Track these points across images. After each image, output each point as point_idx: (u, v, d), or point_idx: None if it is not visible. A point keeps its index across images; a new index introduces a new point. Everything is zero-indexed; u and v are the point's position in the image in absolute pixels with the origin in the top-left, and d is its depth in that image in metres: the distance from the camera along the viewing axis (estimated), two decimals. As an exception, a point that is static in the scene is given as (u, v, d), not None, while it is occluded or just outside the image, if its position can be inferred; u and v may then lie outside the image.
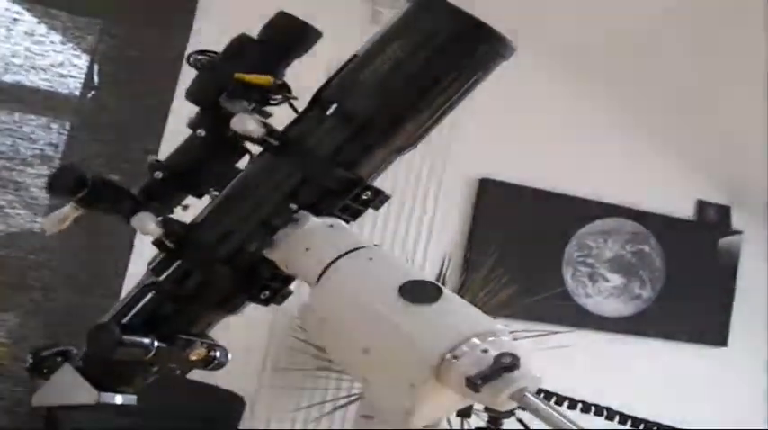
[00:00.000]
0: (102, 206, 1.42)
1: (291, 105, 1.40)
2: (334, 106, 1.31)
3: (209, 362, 1.46)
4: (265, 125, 1.32)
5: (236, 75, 1.38)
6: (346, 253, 1.24)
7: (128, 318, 1.41)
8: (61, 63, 4.13)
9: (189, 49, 4.13)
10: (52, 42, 4.13)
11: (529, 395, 1.06)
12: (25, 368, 1.45)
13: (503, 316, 4.37)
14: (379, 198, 1.38)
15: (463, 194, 5.01)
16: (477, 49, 1.27)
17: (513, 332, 4.24)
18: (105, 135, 4.16)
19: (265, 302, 1.39)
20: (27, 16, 4.10)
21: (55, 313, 4.07)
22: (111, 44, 4.22)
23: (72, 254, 4.11)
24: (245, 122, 1.31)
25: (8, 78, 4.06)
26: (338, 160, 1.32)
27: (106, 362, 1.38)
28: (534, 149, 5.08)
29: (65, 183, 1.40)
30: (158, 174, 1.44)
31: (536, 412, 1.06)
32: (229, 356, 1.48)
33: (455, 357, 1.08)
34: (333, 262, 1.23)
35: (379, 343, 1.15)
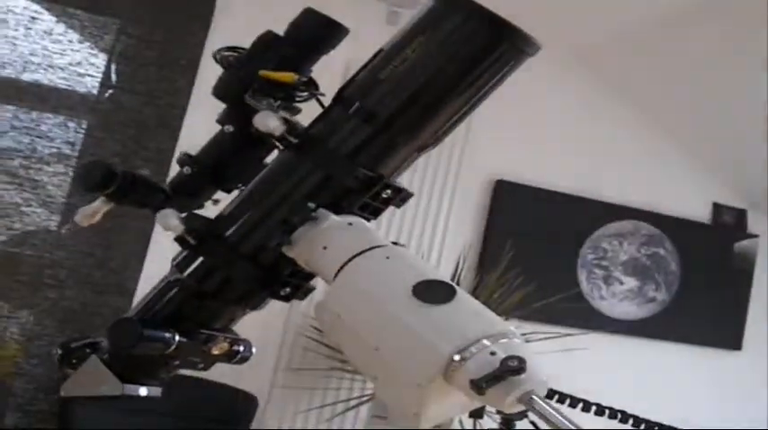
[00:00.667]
0: (131, 200, 1.44)
1: (319, 102, 1.40)
2: (356, 104, 1.31)
3: (232, 356, 1.48)
4: (288, 122, 1.32)
5: (261, 72, 1.38)
6: (363, 251, 1.24)
7: (151, 312, 1.44)
8: (79, 62, 4.14)
9: (207, 49, 4.17)
10: (70, 41, 4.14)
11: (536, 398, 1.06)
12: (56, 358, 1.48)
13: (516, 317, 4.37)
14: (400, 196, 1.38)
15: (479, 196, 5.01)
16: (500, 47, 1.25)
17: (526, 334, 4.24)
18: (122, 134, 4.17)
19: (286, 298, 1.40)
20: (45, 15, 4.11)
21: (70, 311, 4.07)
22: (128, 43, 4.23)
23: (87, 252, 4.12)
24: (267, 120, 1.32)
25: (26, 77, 4.07)
26: (358, 159, 1.31)
27: (130, 355, 1.41)
28: (550, 151, 5.08)
29: (94, 179, 1.41)
30: (187, 169, 1.47)
31: (542, 416, 1.05)
32: (253, 350, 1.50)
33: (463, 358, 1.07)
34: (349, 260, 1.23)
35: (390, 341, 1.15)
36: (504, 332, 1.12)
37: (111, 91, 4.22)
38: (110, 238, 4.13)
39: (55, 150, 4.10)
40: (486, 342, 1.09)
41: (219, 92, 1.45)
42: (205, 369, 1.49)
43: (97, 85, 4.20)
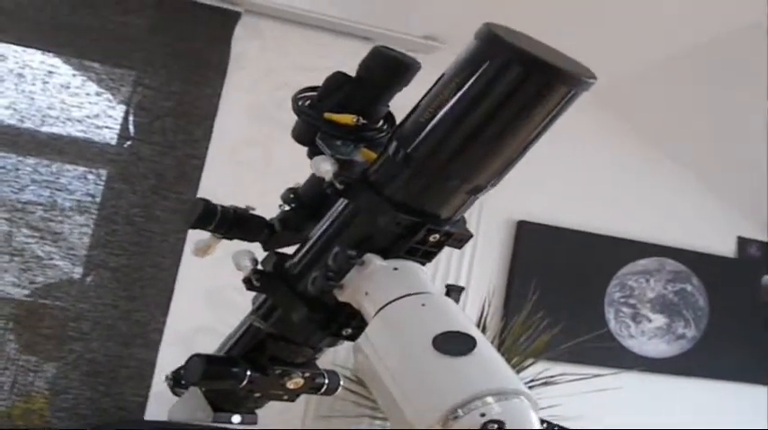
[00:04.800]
0: (237, 235, 1.49)
1: (395, 139, 1.38)
2: (398, 148, 1.29)
3: (317, 389, 1.53)
4: (343, 166, 1.33)
5: (325, 114, 1.40)
6: (399, 298, 1.23)
7: (229, 349, 1.52)
8: (97, 114, 4.16)
9: (223, 98, 4.18)
10: (87, 94, 4.16)
11: None
12: (168, 385, 1.59)
13: (545, 359, 4.33)
14: (454, 238, 1.36)
15: (501, 237, 4.99)
16: (543, 89, 1.20)
17: (555, 376, 4.18)
18: (142, 185, 4.18)
19: (350, 338, 1.40)
20: (62, 69, 4.14)
21: (95, 364, 4.07)
22: (145, 94, 4.24)
23: (111, 304, 4.11)
24: (319, 165, 1.33)
25: (45, 130, 4.09)
26: (401, 204, 1.30)
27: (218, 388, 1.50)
28: (571, 190, 5.07)
29: (193, 216, 1.47)
30: (285, 206, 1.50)
31: None
32: (341, 382, 1.55)
33: (458, 415, 1.06)
34: (384, 306, 1.23)
35: (401, 387, 1.15)
36: (516, 391, 1.10)
37: (129, 142, 4.23)
38: (133, 290, 4.13)
39: (75, 203, 4.11)
40: (489, 399, 1.07)
41: (296, 135, 1.47)
42: (290, 400, 1.55)
43: (115, 136, 4.22)
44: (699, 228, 5.46)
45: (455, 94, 1.23)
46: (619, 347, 5.17)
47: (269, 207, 1.52)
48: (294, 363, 1.51)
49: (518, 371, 4.13)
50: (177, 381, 1.58)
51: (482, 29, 1.21)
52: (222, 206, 1.47)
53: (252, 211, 1.51)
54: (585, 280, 5.16)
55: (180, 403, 1.54)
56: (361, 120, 1.41)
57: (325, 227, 1.40)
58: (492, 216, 4.81)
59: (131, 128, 4.23)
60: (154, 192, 4.19)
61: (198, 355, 1.45)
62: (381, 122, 1.45)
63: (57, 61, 4.14)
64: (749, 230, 5.60)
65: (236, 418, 1.53)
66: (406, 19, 4.39)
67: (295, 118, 1.46)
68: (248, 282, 1.42)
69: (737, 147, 5.05)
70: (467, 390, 1.08)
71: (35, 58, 4.10)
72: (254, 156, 4.30)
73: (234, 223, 1.47)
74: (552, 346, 4.35)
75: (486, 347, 1.16)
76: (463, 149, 1.25)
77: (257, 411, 1.59)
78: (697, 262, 5.41)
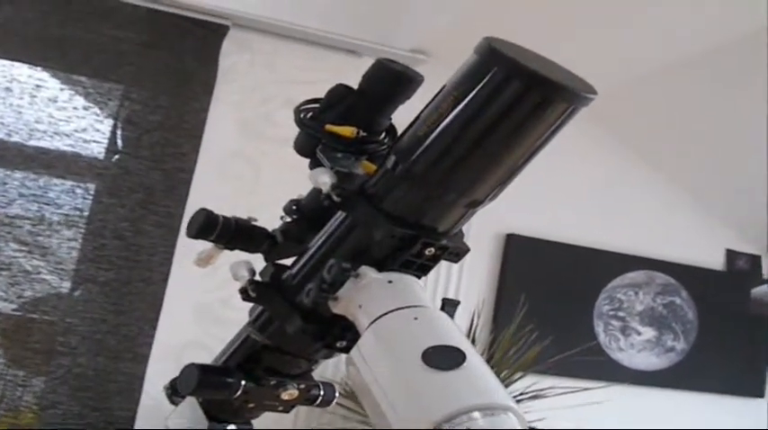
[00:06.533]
0: (239, 246, 1.49)
1: (393, 152, 1.38)
2: (395, 161, 1.30)
3: (312, 400, 1.56)
4: (341, 179, 1.33)
5: (326, 126, 1.40)
6: (391, 311, 1.23)
7: (225, 359, 1.54)
8: (84, 128, 4.15)
9: (211, 113, 4.18)
10: (75, 108, 4.16)
11: None
12: (166, 394, 1.62)
13: (534, 372, 4.32)
14: (449, 251, 1.37)
15: (490, 250, 4.99)
16: (542, 104, 1.21)
17: (544, 389, 4.18)
18: (130, 199, 4.17)
19: (344, 350, 1.40)
20: (50, 83, 4.14)
21: (83, 378, 4.05)
22: (133, 109, 4.24)
23: (100, 319, 4.10)
24: (317, 177, 1.34)
25: (32, 144, 4.09)
26: (399, 217, 1.30)
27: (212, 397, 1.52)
28: (560, 204, 5.07)
29: (194, 226, 1.47)
30: (287, 218, 1.50)
31: None
32: (337, 394, 1.58)
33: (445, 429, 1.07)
34: (377, 319, 1.23)
35: (389, 400, 1.14)
36: (504, 406, 1.10)
37: (117, 156, 4.22)
38: (122, 304, 4.11)
39: (63, 217, 4.10)
40: (475, 414, 1.07)
41: (297, 147, 1.47)
42: (285, 411, 1.57)
43: (103, 150, 4.21)
44: (687, 240, 5.47)
45: (454, 109, 1.22)
46: (608, 360, 5.17)
47: (258, 221, 1.52)
48: (289, 375, 1.52)
49: (507, 385, 4.12)
50: (175, 391, 1.59)
51: (482, 43, 1.21)
52: (224, 217, 1.48)
53: (254, 222, 1.51)
54: (574, 293, 5.16)
55: (176, 412, 1.56)
56: (361, 133, 1.41)
57: (322, 239, 1.40)
58: (481, 229, 4.81)
59: (119, 142, 4.22)
60: (142, 206, 4.18)
61: (193, 365, 1.46)
62: (383, 135, 1.45)
63: (44, 75, 4.14)
64: (737, 243, 5.60)
65: (231, 427, 1.54)
66: (393, 32, 4.39)
67: (287, 131, 1.46)
68: (244, 293, 1.43)
69: (727, 160, 5.06)
70: (453, 405, 1.08)
71: (23, 72, 4.10)
72: (243, 170, 4.29)
73: (235, 234, 1.48)
74: (541, 359, 4.34)
75: (476, 362, 1.16)
76: (461, 164, 1.25)
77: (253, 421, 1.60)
78: (686, 275, 5.41)
